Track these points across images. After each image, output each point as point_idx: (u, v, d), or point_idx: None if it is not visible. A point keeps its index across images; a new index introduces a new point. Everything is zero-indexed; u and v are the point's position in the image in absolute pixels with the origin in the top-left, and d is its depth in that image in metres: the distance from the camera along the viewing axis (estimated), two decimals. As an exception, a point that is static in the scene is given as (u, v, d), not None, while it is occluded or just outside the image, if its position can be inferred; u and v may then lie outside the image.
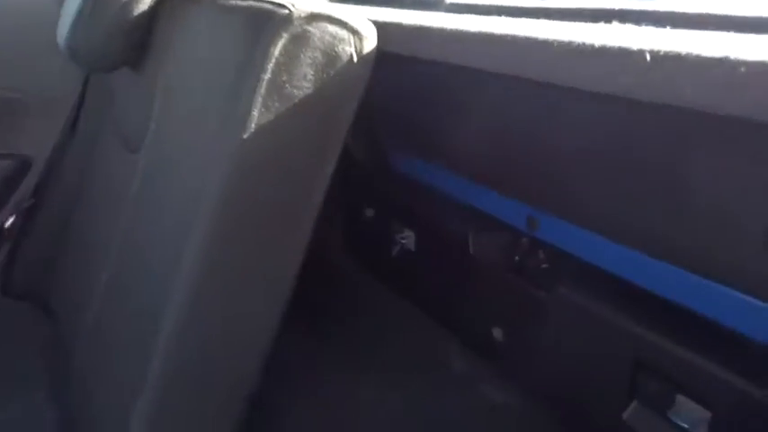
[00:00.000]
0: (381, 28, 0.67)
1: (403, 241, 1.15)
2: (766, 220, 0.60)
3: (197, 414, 0.63)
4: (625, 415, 0.76)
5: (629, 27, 0.68)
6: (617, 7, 0.77)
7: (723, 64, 0.48)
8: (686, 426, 0.70)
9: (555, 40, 0.62)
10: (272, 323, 0.63)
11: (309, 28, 0.54)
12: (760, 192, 0.61)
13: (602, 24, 0.71)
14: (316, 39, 0.54)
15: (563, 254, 0.85)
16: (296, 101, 0.52)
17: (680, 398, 0.71)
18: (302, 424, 1.04)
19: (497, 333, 0.95)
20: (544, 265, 0.88)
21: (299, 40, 0.54)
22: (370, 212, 1.23)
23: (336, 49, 0.56)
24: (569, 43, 0.61)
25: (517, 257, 0.91)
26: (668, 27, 0.67)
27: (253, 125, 0.51)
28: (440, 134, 1.01)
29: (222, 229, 0.56)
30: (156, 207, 0.67)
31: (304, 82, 0.52)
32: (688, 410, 0.71)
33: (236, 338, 0.61)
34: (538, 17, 0.83)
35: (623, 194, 0.73)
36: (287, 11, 0.55)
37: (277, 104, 0.52)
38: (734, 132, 0.62)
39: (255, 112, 0.51)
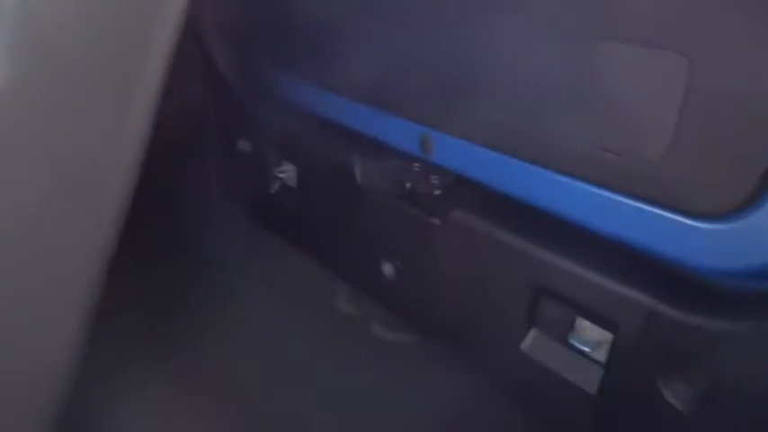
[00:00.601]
0: None
1: (282, 176, 1.03)
2: (670, 124, 0.56)
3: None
4: (524, 345, 0.72)
5: None
6: None
7: None
8: (587, 349, 0.67)
9: None
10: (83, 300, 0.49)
11: None
12: (660, 95, 0.56)
13: None
14: None
15: (458, 178, 0.78)
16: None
17: (580, 321, 0.67)
18: (175, 375, 0.92)
19: (388, 268, 0.87)
20: (437, 192, 0.80)
21: None
22: (244, 145, 1.09)
23: None
24: None
25: (408, 184, 0.82)
26: None
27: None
28: (317, 47, 0.89)
29: None
30: None
31: None
32: (588, 334, 0.67)
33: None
34: None
35: (522, 104, 0.66)
36: None
37: None
38: (636, 27, 0.57)
39: None
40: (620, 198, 0.61)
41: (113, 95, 0.43)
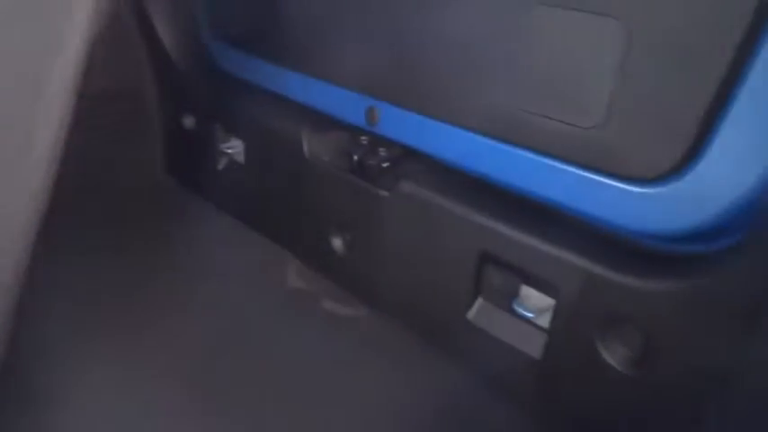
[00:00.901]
0: None
1: (230, 152, 1.01)
2: (606, 91, 0.57)
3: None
4: (470, 314, 0.72)
5: None
6: None
7: None
8: (531, 315, 0.68)
9: None
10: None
11: None
12: (596, 61, 0.57)
13: None
14: None
15: (405, 149, 0.78)
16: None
17: (524, 288, 0.68)
18: (122, 356, 0.90)
19: (337, 243, 0.87)
20: (385, 164, 0.80)
21: None
22: (190, 121, 1.06)
23: None
24: None
25: (356, 157, 0.82)
26: None
27: None
28: (262, 19, 0.87)
29: None
30: None
31: None
32: (532, 301, 0.68)
33: None
34: None
35: (463, 73, 0.67)
36: None
37: None
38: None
39: None
40: (558, 164, 0.62)
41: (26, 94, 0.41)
